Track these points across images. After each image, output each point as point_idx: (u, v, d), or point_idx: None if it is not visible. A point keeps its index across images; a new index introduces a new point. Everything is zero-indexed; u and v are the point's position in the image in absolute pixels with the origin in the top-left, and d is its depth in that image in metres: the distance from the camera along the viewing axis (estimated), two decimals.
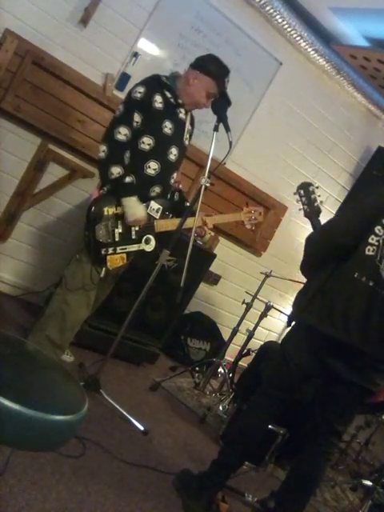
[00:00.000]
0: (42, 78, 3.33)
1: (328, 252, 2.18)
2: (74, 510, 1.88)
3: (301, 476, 2.26)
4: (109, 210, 2.62)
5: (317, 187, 2.47)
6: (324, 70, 4.34)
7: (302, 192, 2.46)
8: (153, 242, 2.73)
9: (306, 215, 2.45)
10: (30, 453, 1.97)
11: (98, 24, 3.45)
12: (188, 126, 2.83)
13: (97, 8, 3.39)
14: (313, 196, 2.44)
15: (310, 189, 2.45)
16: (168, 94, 2.68)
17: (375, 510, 2.96)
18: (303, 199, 2.45)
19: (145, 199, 2.69)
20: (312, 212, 2.42)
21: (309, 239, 2.29)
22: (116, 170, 2.56)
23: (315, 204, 2.43)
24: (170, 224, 2.74)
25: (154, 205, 2.71)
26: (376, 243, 2.08)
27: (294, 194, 2.47)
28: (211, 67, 2.68)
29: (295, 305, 2.26)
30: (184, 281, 2.38)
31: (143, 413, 2.93)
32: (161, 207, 2.73)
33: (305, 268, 2.29)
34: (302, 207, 2.46)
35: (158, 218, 2.73)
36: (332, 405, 2.20)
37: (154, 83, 2.66)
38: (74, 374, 2.90)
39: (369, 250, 2.08)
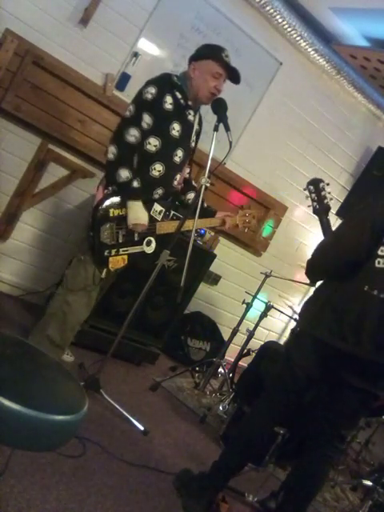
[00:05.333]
0: (42, 78, 3.33)
1: (339, 267, 2.14)
2: (74, 509, 1.88)
3: (303, 479, 2.24)
4: (114, 212, 2.61)
5: (327, 184, 2.41)
6: (324, 70, 4.34)
7: (311, 188, 2.39)
8: (153, 244, 2.74)
9: (315, 212, 2.39)
10: (29, 453, 1.97)
11: (98, 24, 3.45)
12: (196, 126, 2.83)
13: (97, 8, 3.39)
14: (323, 193, 2.38)
15: (321, 185, 2.39)
16: (178, 95, 2.67)
17: (375, 509, 2.96)
18: (313, 196, 2.39)
19: (148, 201, 2.69)
20: (321, 209, 2.36)
21: (320, 250, 2.22)
22: (125, 174, 2.54)
23: (325, 201, 2.36)
24: (172, 226, 2.74)
25: (157, 207, 2.71)
26: None
27: (304, 189, 2.42)
28: (204, 50, 2.71)
29: (303, 316, 2.23)
30: (184, 281, 2.38)
31: (143, 413, 2.93)
32: (163, 209, 2.73)
33: (313, 275, 2.26)
34: (311, 204, 2.39)
35: (160, 220, 2.74)
36: (337, 409, 2.17)
37: (166, 83, 2.65)
38: (74, 373, 2.90)
39: (379, 263, 2.03)
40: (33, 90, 3.33)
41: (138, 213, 2.62)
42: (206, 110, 2.72)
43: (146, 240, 2.72)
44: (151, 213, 2.70)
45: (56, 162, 3.59)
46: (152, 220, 2.71)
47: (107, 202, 2.61)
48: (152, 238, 2.73)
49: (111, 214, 2.60)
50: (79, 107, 3.50)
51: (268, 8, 3.83)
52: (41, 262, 3.76)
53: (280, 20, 3.90)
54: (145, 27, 3.60)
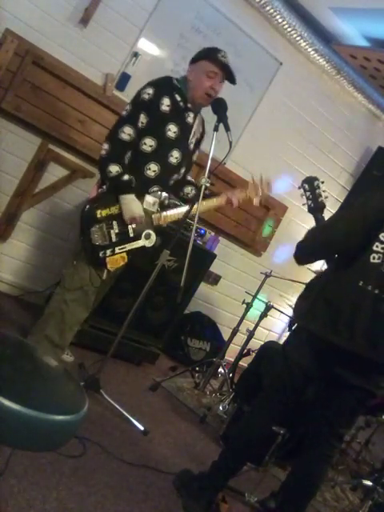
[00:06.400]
0: (42, 78, 3.33)
1: (328, 254, 2.16)
2: (74, 509, 1.88)
3: (302, 479, 2.24)
4: (102, 213, 2.61)
5: (322, 182, 2.41)
6: (324, 70, 4.34)
7: (306, 186, 2.40)
8: (153, 237, 2.72)
9: (310, 210, 2.39)
10: (29, 453, 1.97)
11: (98, 24, 3.45)
12: (196, 128, 2.83)
13: (97, 8, 3.39)
14: (317, 191, 2.38)
15: (315, 184, 2.39)
16: (178, 97, 2.68)
17: (375, 509, 2.96)
18: (307, 194, 2.39)
19: (139, 195, 2.68)
20: (316, 207, 2.37)
21: (310, 233, 2.24)
22: (114, 169, 2.56)
23: (319, 199, 2.36)
24: (169, 217, 2.73)
25: (149, 198, 2.69)
26: (381, 251, 2.03)
27: (299, 188, 2.42)
28: (200, 53, 2.73)
29: (296, 310, 2.23)
30: (184, 281, 2.38)
31: (143, 413, 2.93)
32: (157, 200, 2.72)
33: (300, 258, 2.24)
34: (306, 202, 2.40)
35: (155, 211, 2.72)
36: (334, 407, 2.17)
37: (165, 86, 2.67)
38: (74, 373, 2.90)
39: (374, 258, 2.04)
40: (33, 90, 3.33)
41: (131, 207, 2.62)
42: (206, 110, 2.73)
43: (144, 233, 2.71)
44: (144, 206, 2.68)
45: (56, 161, 3.59)
46: (147, 213, 2.69)
47: (94, 203, 2.62)
48: (151, 231, 2.72)
49: (98, 215, 2.60)
50: (79, 107, 3.50)
51: (268, 8, 3.83)
52: (40, 262, 3.76)
53: (280, 20, 3.90)
54: (145, 27, 3.60)
